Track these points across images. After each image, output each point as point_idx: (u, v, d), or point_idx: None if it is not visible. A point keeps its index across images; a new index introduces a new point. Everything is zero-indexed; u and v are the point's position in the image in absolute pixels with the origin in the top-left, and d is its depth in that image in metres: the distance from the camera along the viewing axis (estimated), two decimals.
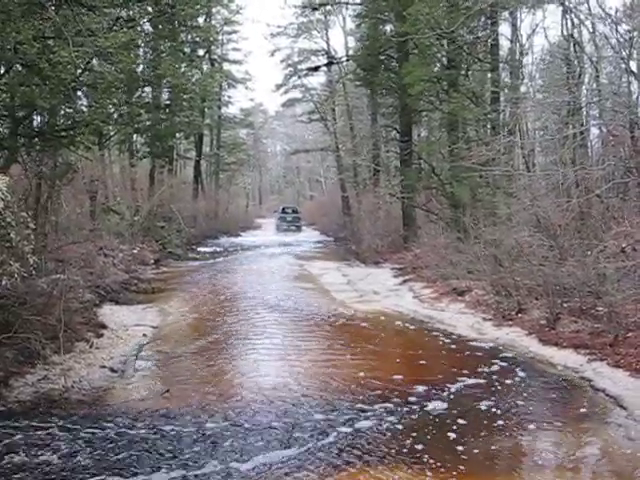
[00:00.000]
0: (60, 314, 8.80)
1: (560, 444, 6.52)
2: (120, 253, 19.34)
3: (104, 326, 11.18)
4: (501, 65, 20.78)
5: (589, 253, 11.50)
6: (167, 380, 8.72)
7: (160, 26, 20.96)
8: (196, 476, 5.67)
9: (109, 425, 6.78)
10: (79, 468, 5.77)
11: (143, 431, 6.66)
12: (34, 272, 8.40)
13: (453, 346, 10.44)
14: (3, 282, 7.76)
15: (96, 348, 9.85)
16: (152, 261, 21.70)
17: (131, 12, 13.70)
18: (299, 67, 40.56)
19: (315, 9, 34.75)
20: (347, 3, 32.92)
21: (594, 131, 18.34)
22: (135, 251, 21.09)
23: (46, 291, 9.61)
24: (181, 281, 18.59)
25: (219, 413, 7.21)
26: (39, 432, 6.52)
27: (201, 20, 32.62)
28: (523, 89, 21.88)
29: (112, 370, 8.95)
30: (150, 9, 16.16)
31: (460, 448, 6.22)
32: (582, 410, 7.29)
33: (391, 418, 7.05)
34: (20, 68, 11.18)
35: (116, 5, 12.82)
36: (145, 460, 5.97)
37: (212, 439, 6.48)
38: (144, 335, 11.15)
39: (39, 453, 6.02)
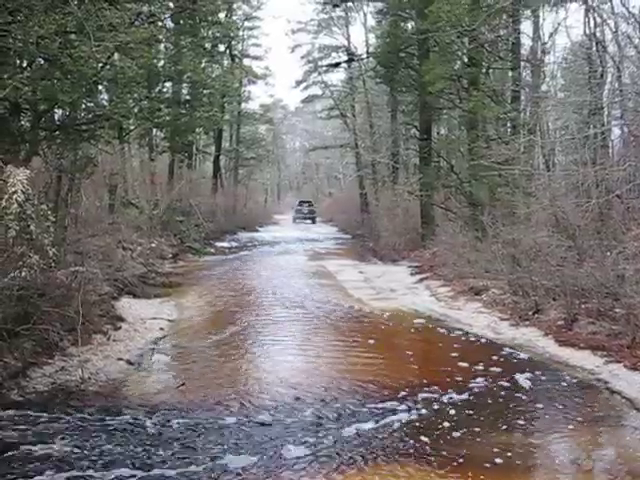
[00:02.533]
0: (78, 306, 8.87)
1: (576, 446, 6.49)
2: (139, 247, 19.45)
3: (122, 319, 11.26)
4: (522, 64, 20.62)
5: (608, 254, 11.42)
6: (183, 373, 8.78)
7: (181, 22, 21.07)
8: (210, 469, 5.71)
9: (125, 417, 6.84)
10: (95, 459, 5.82)
11: (159, 424, 6.70)
12: (53, 264, 8.45)
13: (469, 346, 10.41)
14: (23, 274, 7.85)
15: (113, 340, 9.93)
16: (170, 255, 21.80)
17: (152, 7, 13.78)
18: (319, 63, 40.59)
19: (336, 5, 34.82)
20: (368, 0, 32.88)
21: (615, 131, 18.18)
22: (153, 245, 21.21)
23: (65, 283, 9.70)
24: (199, 275, 18.68)
25: (234, 407, 7.25)
26: (56, 423, 6.60)
27: (222, 16, 32.68)
28: (544, 88, 21.75)
29: (129, 363, 9.02)
30: (171, 5, 16.24)
31: (475, 448, 6.21)
32: (598, 412, 7.25)
33: (405, 416, 7.05)
34: (42, 62, 11.27)
35: (138, 0, 12.89)
36: (160, 453, 6.01)
37: (226, 433, 6.52)
38: (161, 328, 11.23)
39: (55, 444, 6.08)
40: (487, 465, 5.85)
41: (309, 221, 50.29)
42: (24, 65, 11.42)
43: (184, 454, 5.99)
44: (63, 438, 6.22)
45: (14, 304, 8.29)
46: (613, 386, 8.10)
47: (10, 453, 5.85)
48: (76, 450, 5.98)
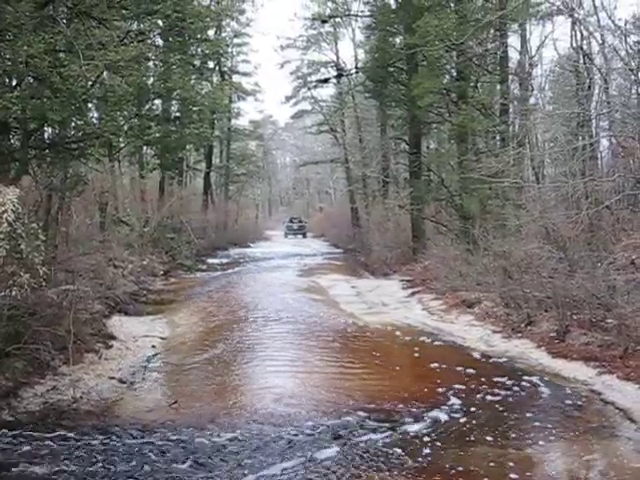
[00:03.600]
0: (70, 325, 8.84)
1: (569, 457, 6.49)
2: (130, 264, 19.39)
3: (113, 337, 11.21)
4: (510, 77, 20.75)
5: (599, 265, 11.45)
6: (175, 391, 8.74)
7: (170, 39, 21.10)
8: None
9: (117, 436, 6.79)
10: (87, 479, 5.77)
11: (151, 442, 6.66)
12: (44, 283, 8.43)
13: (462, 359, 10.40)
14: (13, 293, 7.81)
15: (105, 359, 9.88)
16: (161, 272, 21.76)
17: (142, 26, 13.83)
18: (309, 79, 40.74)
19: (324, 21, 34.98)
20: (357, 15, 33.08)
21: (604, 143, 18.33)
22: (144, 262, 21.15)
23: (56, 302, 9.65)
24: (190, 292, 18.62)
25: (227, 425, 7.21)
26: (47, 443, 6.54)
27: (211, 33, 32.83)
28: (532, 101, 21.84)
29: (121, 381, 8.97)
30: (160, 23, 16.31)
31: (468, 460, 6.20)
32: (591, 423, 7.25)
33: (399, 429, 7.04)
34: (32, 81, 11.29)
35: (127, 19, 12.94)
36: (153, 471, 5.97)
37: (219, 451, 6.47)
38: (153, 346, 11.18)
39: (47, 464, 6.03)
40: (480, 476, 5.85)
41: (300, 236, 53.37)
42: (14, 84, 11.43)
43: (176, 473, 5.95)
44: (55, 458, 6.17)
45: (5, 324, 8.24)
46: (606, 397, 8.11)
47: (1, 474, 5.79)
48: (68, 470, 5.93)
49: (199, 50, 29.30)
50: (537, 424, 7.31)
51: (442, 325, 13.23)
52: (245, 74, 43.17)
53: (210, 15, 22.97)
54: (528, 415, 7.62)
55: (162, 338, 11.92)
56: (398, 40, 27.06)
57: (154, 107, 25.76)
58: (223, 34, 37.93)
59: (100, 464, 6.08)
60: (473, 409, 7.77)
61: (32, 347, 8.45)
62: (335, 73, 39.01)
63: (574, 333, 10.64)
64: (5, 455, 6.22)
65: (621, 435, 6.96)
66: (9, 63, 10.69)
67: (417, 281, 18.96)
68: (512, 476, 5.92)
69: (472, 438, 6.80)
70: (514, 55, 22.10)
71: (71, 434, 6.81)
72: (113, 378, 9.06)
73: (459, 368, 9.70)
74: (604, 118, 17.46)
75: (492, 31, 20.10)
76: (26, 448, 6.39)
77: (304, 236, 53.81)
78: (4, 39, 9.72)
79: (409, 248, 23.38)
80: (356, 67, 36.23)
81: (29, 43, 9.48)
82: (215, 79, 37.52)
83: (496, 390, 8.51)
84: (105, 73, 12.71)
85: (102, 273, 15.15)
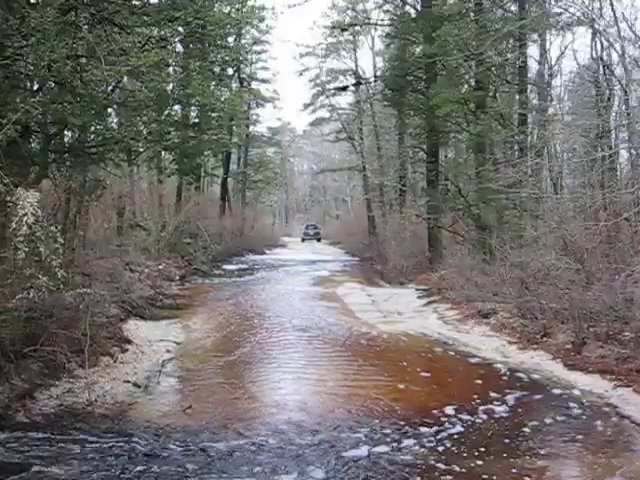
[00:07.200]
0: (86, 328, 8.88)
1: (584, 472, 6.43)
2: (146, 269, 19.48)
3: (129, 341, 11.25)
4: (529, 87, 20.72)
5: (616, 277, 11.37)
6: (190, 396, 8.75)
7: (191, 46, 21.25)
8: None
9: (131, 440, 6.80)
10: None
11: (164, 447, 6.67)
12: (61, 286, 8.48)
13: (477, 369, 10.34)
14: (31, 295, 7.87)
15: (120, 363, 9.92)
16: (177, 277, 21.82)
17: (162, 32, 13.93)
18: (327, 87, 40.88)
19: (344, 30, 35.07)
20: (376, 24, 33.11)
21: (623, 154, 18.19)
22: (161, 267, 21.24)
23: (73, 305, 9.72)
24: (206, 298, 18.67)
25: (241, 431, 7.20)
26: (62, 445, 6.57)
27: (231, 40, 33.04)
28: (551, 111, 21.80)
29: (136, 385, 8.99)
30: (181, 29, 16.41)
31: (483, 471, 6.16)
32: (607, 437, 7.17)
33: (413, 440, 7.00)
34: (53, 86, 11.40)
35: (148, 25, 13.04)
36: (165, 475, 5.98)
37: (232, 457, 6.48)
38: (168, 351, 11.20)
39: (60, 466, 6.06)
40: None
41: (315, 240, 58.81)
42: (35, 88, 11.55)
43: (188, 479, 5.96)
44: (69, 460, 6.20)
45: (22, 325, 8.31)
46: (622, 410, 8.01)
47: (16, 476, 5.82)
48: (82, 473, 5.95)
49: (219, 57, 29.39)
50: (551, 437, 7.26)
51: (457, 335, 13.16)
52: (264, 81, 43.49)
53: (230, 22, 23.05)
54: (541, 428, 7.55)
55: (177, 343, 11.95)
56: (417, 49, 27.08)
57: (173, 113, 25.87)
58: (243, 41, 38.22)
59: (113, 467, 6.10)
60: (488, 420, 7.72)
61: (48, 349, 8.50)
62: (354, 81, 39.11)
63: (590, 345, 10.54)
64: (20, 456, 6.26)
65: (637, 450, 6.89)
66: (31, 67, 10.80)
67: (433, 290, 18.87)
68: None
69: (486, 449, 6.74)
70: (533, 65, 22.15)
71: (85, 436, 6.84)
72: (128, 382, 9.09)
73: (471, 379, 9.65)
74: (624, 129, 17.36)
75: (511, 41, 20.07)
76: (41, 450, 6.42)
77: (318, 240, 58.30)
78: (27, 44, 9.83)
79: (425, 257, 23.28)
80: (375, 75, 36.36)
81: (52, 48, 9.58)
82: (234, 86, 37.74)
83: (511, 401, 8.45)
84: (125, 79, 12.82)
85: (119, 277, 15.24)
